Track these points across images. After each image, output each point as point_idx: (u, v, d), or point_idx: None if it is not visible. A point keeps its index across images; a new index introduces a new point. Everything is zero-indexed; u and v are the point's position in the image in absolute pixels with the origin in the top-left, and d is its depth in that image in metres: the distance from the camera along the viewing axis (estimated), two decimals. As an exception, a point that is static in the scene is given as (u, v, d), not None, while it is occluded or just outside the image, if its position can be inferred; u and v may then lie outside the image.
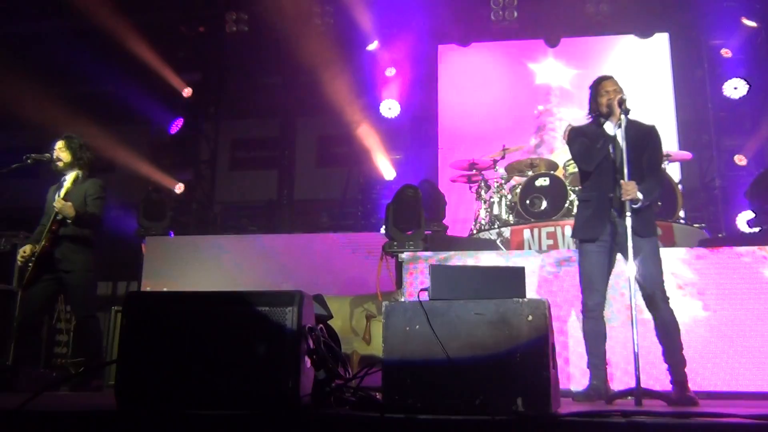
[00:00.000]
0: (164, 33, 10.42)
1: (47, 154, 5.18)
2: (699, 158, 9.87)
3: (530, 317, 2.53)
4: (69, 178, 5.12)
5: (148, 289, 7.17)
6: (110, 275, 10.21)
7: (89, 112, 9.07)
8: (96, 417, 2.28)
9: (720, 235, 8.16)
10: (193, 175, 11.18)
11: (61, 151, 5.17)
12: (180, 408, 2.43)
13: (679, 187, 6.89)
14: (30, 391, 2.58)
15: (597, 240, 4.17)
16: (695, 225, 6.94)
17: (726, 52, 9.61)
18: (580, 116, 4.73)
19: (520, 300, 2.58)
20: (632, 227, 3.90)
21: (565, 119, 9.43)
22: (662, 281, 4.07)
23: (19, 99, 8.84)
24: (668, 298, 4.06)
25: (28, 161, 5.16)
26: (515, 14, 9.84)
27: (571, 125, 5.47)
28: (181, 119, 10.83)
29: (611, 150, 4.15)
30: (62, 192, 5.02)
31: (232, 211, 11.67)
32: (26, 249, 4.98)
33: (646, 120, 4.36)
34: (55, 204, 4.95)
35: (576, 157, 4.41)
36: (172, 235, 8.13)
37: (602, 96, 4.23)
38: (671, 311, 4.05)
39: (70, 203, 4.95)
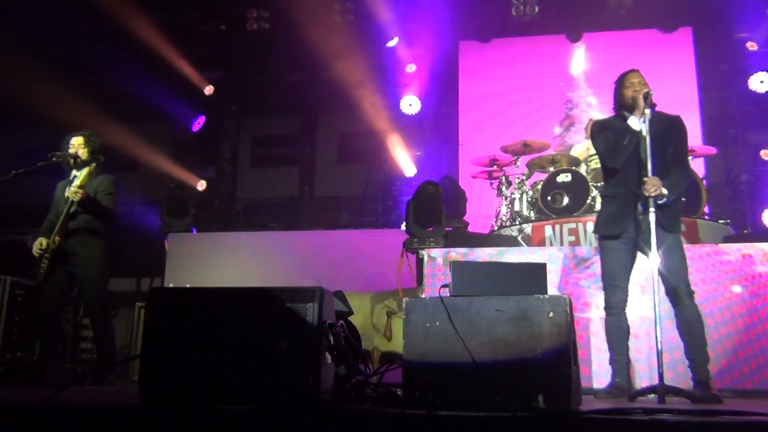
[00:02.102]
0: (186, 31, 10.50)
1: (71, 152, 5.23)
2: (724, 153, 9.74)
3: (551, 314, 2.51)
4: (82, 173, 5.16)
5: (171, 285, 7.24)
6: (134, 272, 10.34)
7: (112, 110, 9.19)
8: (120, 411, 2.31)
9: (745, 232, 8.04)
10: (215, 172, 11.28)
11: (80, 148, 5.22)
12: (202, 403, 2.45)
13: (704, 182, 6.79)
14: (56, 386, 2.62)
15: (620, 237, 4.12)
16: (720, 221, 6.85)
17: (752, 46, 9.45)
18: (603, 110, 4.67)
19: (541, 297, 2.56)
20: (658, 221, 3.85)
21: (589, 112, 9.33)
22: (687, 276, 4.02)
23: (42, 98, 8.96)
24: (693, 293, 4.01)
25: (53, 159, 5.22)
26: (536, 9, 9.76)
27: (592, 119, 5.41)
28: (203, 117, 10.92)
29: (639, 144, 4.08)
30: (77, 183, 5.07)
31: (253, 208, 11.74)
32: (42, 242, 5.03)
33: (670, 113, 4.30)
34: (68, 193, 5.00)
35: (602, 153, 4.31)
36: (195, 231, 8.21)
37: (627, 88, 4.17)
38: (696, 306, 3.99)
39: (83, 190, 5.00)
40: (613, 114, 4.34)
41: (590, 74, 9.82)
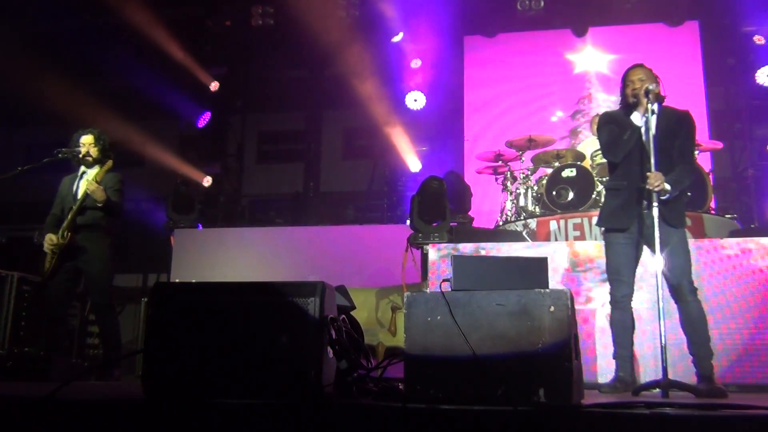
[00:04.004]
0: (191, 28, 10.53)
1: (78, 149, 5.25)
2: (731, 148, 9.71)
3: (552, 308, 2.51)
4: (93, 171, 5.19)
5: (177, 280, 7.26)
6: (140, 267, 10.39)
7: (118, 107, 9.23)
8: (123, 405, 2.32)
9: (752, 226, 8.01)
10: (221, 168, 11.32)
11: (91, 147, 5.24)
12: (204, 397, 2.47)
13: (710, 177, 6.77)
14: (62, 381, 2.64)
15: (625, 231, 4.12)
16: (726, 216, 6.81)
17: (759, 39, 9.40)
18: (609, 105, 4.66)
19: (543, 291, 2.56)
20: (662, 216, 3.84)
21: (601, 106, 9.27)
22: (690, 272, 4.01)
23: (49, 95, 9.00)
24: (696, 290, 4.01)
25: (59, 155, 5.25)
26: (542, 4, 9.73)
27: (598, 114, 5.40)
28: (209, 113, 10.94)
29: (643, 138, 4.07)
30: (92, 177, 5.09)
31: (258, 204, 11.79)
32: (51, 238, 5.07)
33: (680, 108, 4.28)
34: (87, 186, 5.02)
35: (603, 145, 4.33)
36: (201, 227, 8.23)
37: (627, 86, 4.17)
38: (698, 303, 3.99)
39: (102, 186, 5.03)
40: (621, 107, 4.34)
41: (595, 69, 9.79)
